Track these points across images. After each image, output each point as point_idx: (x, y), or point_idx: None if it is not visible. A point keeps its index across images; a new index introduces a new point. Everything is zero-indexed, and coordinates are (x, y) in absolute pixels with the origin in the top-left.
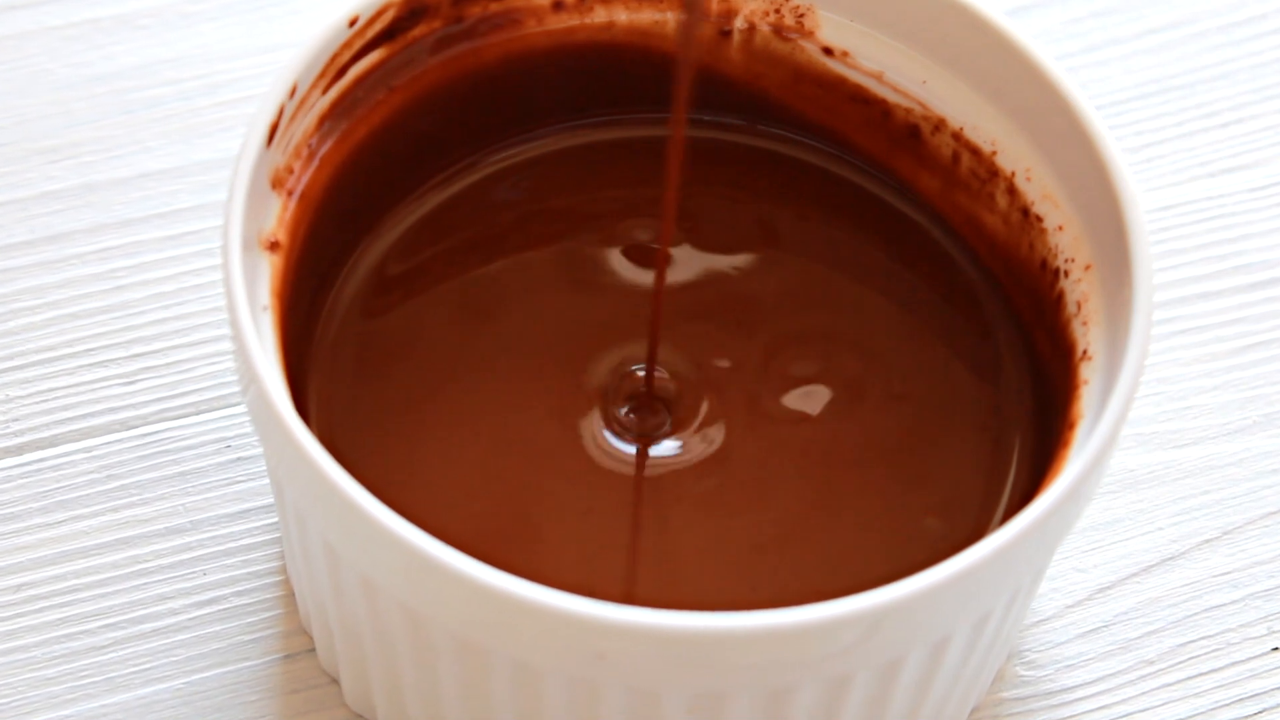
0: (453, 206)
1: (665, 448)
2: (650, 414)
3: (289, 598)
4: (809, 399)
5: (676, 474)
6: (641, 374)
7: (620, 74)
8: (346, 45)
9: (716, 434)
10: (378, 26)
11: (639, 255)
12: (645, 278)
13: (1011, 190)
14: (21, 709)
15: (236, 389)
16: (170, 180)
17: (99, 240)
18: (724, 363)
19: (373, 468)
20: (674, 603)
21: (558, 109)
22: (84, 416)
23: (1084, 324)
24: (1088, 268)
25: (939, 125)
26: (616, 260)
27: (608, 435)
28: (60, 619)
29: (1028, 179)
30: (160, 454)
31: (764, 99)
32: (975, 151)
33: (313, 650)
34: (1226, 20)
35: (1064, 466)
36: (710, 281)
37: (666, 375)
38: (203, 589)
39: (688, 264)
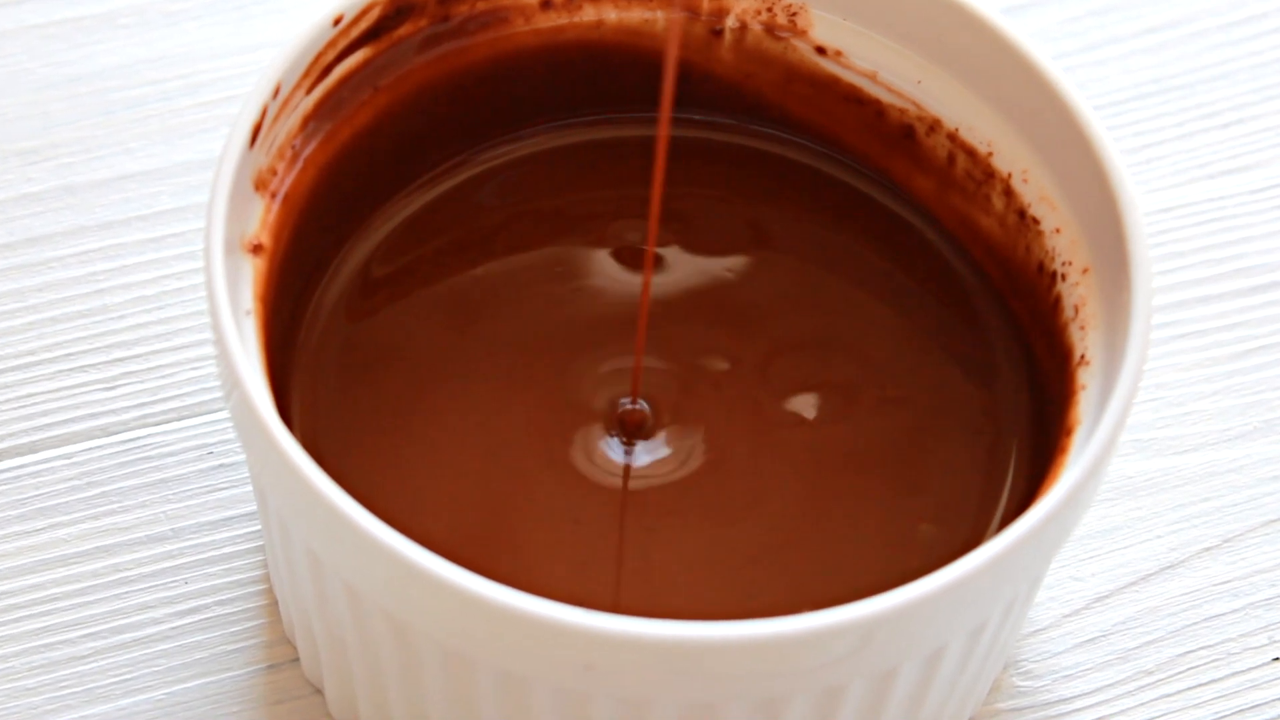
0: (439, 207)
1: (656, 454)
2: (640, 420)
3: (272, 607)
4: (802, 404)
5: (667, 481)
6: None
7: (609, 73)
8: (331, 44)
9: (708, 440)
10: (363, 25)
11: (629, 257)
12: (635, 280)
13: (1008, 192)
14: None
15: (219, 394)
16: (151, 182)
17: (79, 243)
18: (715, 367)
19: (357, 474)
20: (664, 612)
21: (546, 109)
22: (64, 422)
23: (1082, 328)
24: (1085, 271)
25: (934, 126)
26: (606, 262)
27: (598, 441)
28: (39, 629)
29: (1024, 180)
30: (141, 460)
31: (756, 99)
32: (971, 153)
33: (296, 660)
34: (1226, 19)
35: (1061, 473)
36: (701, 284)
37: (657, 381)
38: (184, 598)
39: (678, 266)
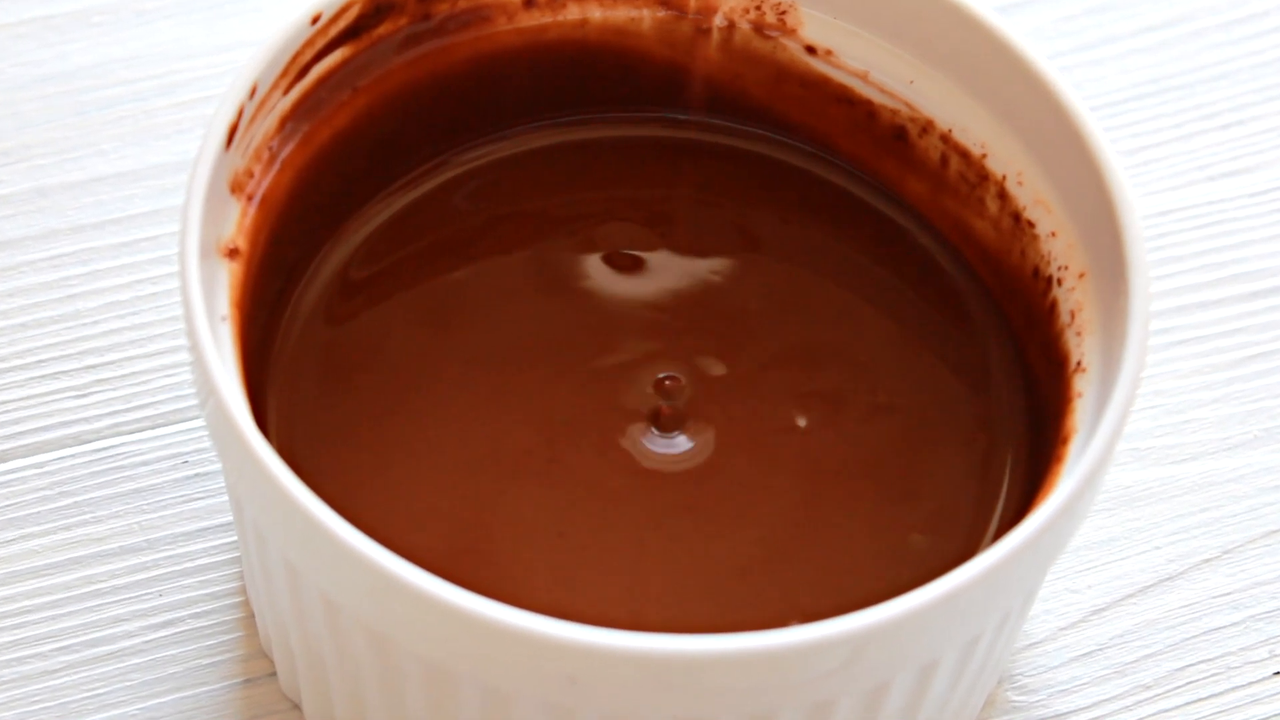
0: (419, 210)
1: (643, 462)
2: (627, 427)
3: (249, 620)
4: (793, 411)
5: (655, 489)
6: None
7: (594, 73)
8: (309, 44)
9: (696, 448)
10: (341, 24)
11: (613, 260)
12: (620, 283)
13: (1002, 195)
14: None
15: (194, 402)
16: (125, 184)
17: (51, 247)
18: (703, 373)
19: (335, 483)
20: (650, 625)
21: (529, 109)
22: (35, 431)
23: (1078, 334)
24: (1082, 276)
25: (927, 127)
26: (590, 264)
27: (582, 448)
28: (11, 642)
29: (1019, 183)
30: (114, 470)
31: (745, 99)
32: (964, 154)
33: (274, 675)
34: (1226, 18)
35: (1057, 483)
36: (689, 288)
37: (643, 388)
38: (159, 610)
39: (666, 270)
